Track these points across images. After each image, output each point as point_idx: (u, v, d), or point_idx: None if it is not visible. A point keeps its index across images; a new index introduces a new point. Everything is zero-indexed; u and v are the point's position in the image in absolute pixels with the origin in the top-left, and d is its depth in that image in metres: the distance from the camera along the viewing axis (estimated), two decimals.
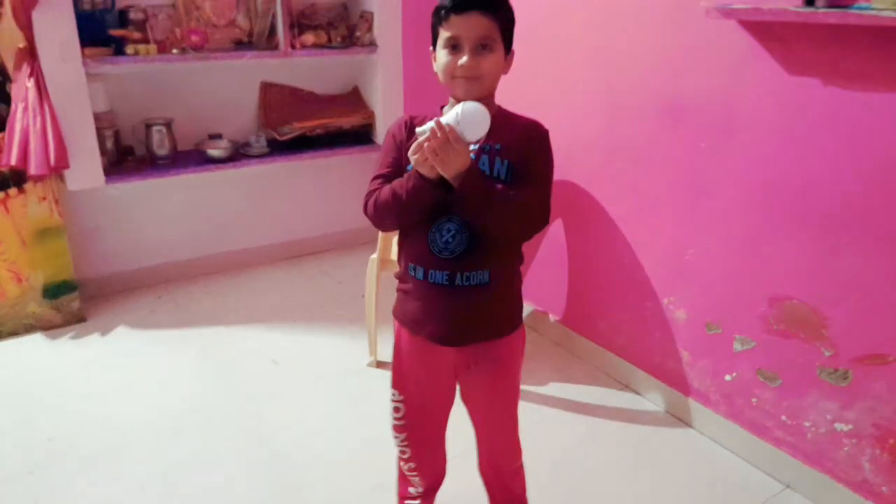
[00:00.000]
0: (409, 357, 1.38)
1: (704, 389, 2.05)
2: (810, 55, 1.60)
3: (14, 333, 2.56)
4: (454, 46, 1.19)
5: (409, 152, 1.14)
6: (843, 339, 1.66)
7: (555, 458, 1.93)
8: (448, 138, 1.09)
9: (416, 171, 1.16)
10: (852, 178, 1.58)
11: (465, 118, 1.11)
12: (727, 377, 1.97)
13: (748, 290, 1.86)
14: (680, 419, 2.13)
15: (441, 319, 1.28)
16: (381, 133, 3.24)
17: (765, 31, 1.68)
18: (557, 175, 2.46)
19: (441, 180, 1.15)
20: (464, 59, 1.18)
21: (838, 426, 1.71)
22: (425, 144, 1.11)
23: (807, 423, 1.78)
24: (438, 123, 1.11)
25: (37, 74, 2.35)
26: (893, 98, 1.47)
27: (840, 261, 1.63)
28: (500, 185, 1.19)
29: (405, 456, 1.49)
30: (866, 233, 1.57)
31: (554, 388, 2.28)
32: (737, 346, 1.92)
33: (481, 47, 1.18)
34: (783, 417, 1.83)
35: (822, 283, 1.68)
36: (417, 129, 1.15)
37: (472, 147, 1.18)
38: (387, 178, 1.28)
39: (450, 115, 1.13)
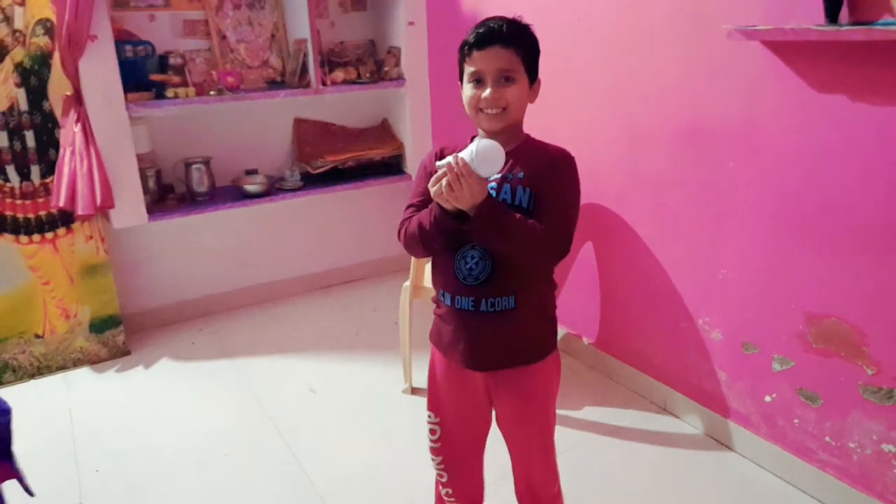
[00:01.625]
0: (443, 380, 1.41)
1: (744, 411, 2.01)
2: (836, 72, 1.60)
3: (63, 368, 2.65)
4: (478, 81, 1.24)
5: (429, 184, 1.19)
6: (886, 357, 1.62)
7: (593, 483, 1.91)
8: (462, 173, 1.13)
9: (436, 202, 1.20)
10: (883, 193, 1.56)
11: (480, 154, 1.15)
12: (767, 398, 1.93)
13: (784, 308, 1.84)
14: (720, 442, 2.09)
15: (469, 344, 1.30)
16: (410, 163, 3.31)
17: (788, 49, 1.69)
18: (585, 199, 2.48)
19: (459, 211, 1.19)
20: (487, 92, 1.22)
21: (886, 447, 1.66)
22: (443, 179, 1.15)
23: (852, 444, 1.73)
24: (456, 158, 1.15)
25: (83, 120, 2.47)
26: None
27: (877, 276, 1.61)
28: (518, 215, 1.21)
29: (443, 479, 1.50)
30: None
31: (589, 412, 2.27)
32: (775, 366, 1.89)
33: (504, 79, 1.22)
34: (827, 438, 1.79)
35: (859, 301, 1.65)
36: (438, 164, 1.20)
37: (494, 177, 1.20)
38: (418, 207, 1.33)
39: (466, 151, 1.18)
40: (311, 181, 3.12)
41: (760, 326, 1.92)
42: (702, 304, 2.09)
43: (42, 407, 2.41)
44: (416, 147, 3.27)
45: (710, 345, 2.08)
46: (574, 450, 2.05)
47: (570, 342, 2.64)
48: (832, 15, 1.51)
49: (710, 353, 2.09)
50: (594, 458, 2.04)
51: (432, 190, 1.18)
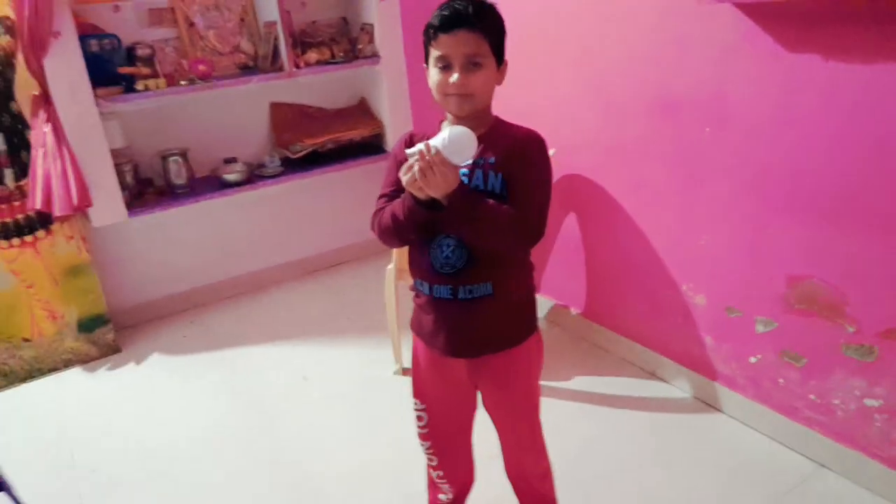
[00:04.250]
0: (426, 368, 1.41)
1: (730, 373, 2.04)
2: (809, 32, 1.59)
3: (54, 370, 2.65)
4: (445, 66, 1.21)
5: (400, 173, 1.17)
6: (866, 315, 1.64)
7: (585, 450, 1.95)
8: (434, 161, 1.12)
9: (409, 191, 1.19)
10: (857, 155, 1.56)
11: (452, 142, 1.13)
12: (752, 359, 1.96)
13: (765, 271, 1.85)
14: (708, 404, 2.12)
15: (450, 332, 1.31)
16: (390, 142, 3.28)
17: (759, 12, 1.67)
18: (567, 170, 2.47)
19: (432, 200, 1.17)
20: (454, 78, 1.20)
21: (868, 402, 1.69)
22: (414, 167, 1.13)
23: (836, 401, 1.76)
24: (427, 146, 1.13)
25: (53, 119, 2.43)
26: (891, 69, 1.45)
27: (852, 237, 1.62)
28: (491, 201, 1.20)
29: (433, 463, 1.52)
30: (875, 209, 1.55)
31: (580, 382, 2.29)
32: (759, 328, 1.91)
33: (472, 65, 1.20)
34: (812, 396, 1.82)
35: (838, 261, 1.67)
36: (408, 151, 1.17)
37: (466, 163, 1.19)
38: (390, 196, 1.31)
39: (437, 139, 1.15)
40: (291, 166, 3.10)
41: (743, 290, 1.93)
42: (685, 271, 2.10)
43: (35, 410, 2.42)
44: (395, 125, 3.24)
45: (694, 310, 2.10)
46: (564, 420, 2.08)
47: (558, 313, 2.66)
48: None
49: (695, 318, 2.11)
50: (584, 426, 2.06)
51: (404, 179, 1.16)
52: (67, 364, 2.68)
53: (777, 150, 1.73)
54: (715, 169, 1.91)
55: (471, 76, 1.20)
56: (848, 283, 1.66)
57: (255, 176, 3.01)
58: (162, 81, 2.67)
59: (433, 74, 1.24)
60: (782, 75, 1.67)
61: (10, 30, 2.37)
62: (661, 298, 2.20)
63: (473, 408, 1.47)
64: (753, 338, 1.93)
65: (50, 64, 2.38)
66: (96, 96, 2.52)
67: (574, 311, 2.59)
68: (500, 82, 1.28)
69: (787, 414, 1.90)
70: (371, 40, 3.15)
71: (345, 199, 3.39)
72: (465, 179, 1.23)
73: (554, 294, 2.67)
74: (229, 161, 3.01)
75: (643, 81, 2.03)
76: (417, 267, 1.32)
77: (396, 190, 1.30)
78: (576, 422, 2.09)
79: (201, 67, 2.78)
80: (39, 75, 2.38)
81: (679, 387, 2.22)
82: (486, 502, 1.71)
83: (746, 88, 1.76)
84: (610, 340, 2.45)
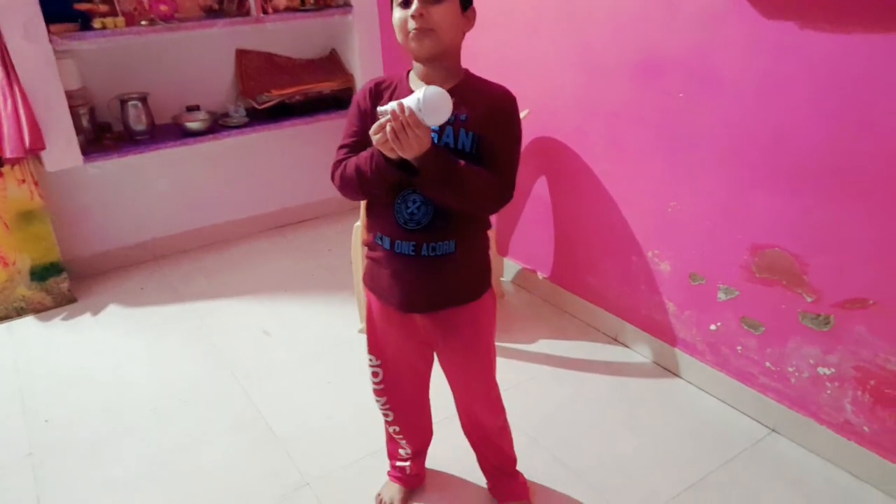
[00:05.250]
0: (381, 323, 1.40)
1: (690, 339, 2.07)
2: None
3: (6, 318, 2.57)
4: (406, 1, 1.15)
5: (371, 131, 1.12)
6: (825, 285, 1.67)
7: (545, 413, 1.97)
8: (408, 122, 1.07)
9: (378, 150, 1.14)
10: (829, 125, 1.56)
11: (428, 103, 1.08)
12: (712, 327, 1.99)
13: (730, 239, 1.86)
14: (667, 370, 2.16)
15: (408, 288, 1.28)
16: None
17: None
18: (540, 132, 2.44)
19: (403, 160, 1.13)
20: (413, 7, 1.13)
21: (821, 370, 1.73)
22: (387, 126, 1.08)
23: (790, 369, 1.80)
24: (401, 106, 1.08)
25: (3, 56, 2.29)
26: (869, 39, 1.44)
27: (819, 208, 1.63)
28: (462, 162, 1.16)
29: (389, 419, 1.52)
30: (844, 180, 1.56)
31: (544, 345, 2.31)
32: (721, 296, 1.94)
33: None
34: (767, 364, 1.86)
35: (802, 231, 1.68)
36: (379, 109, 1.12)
37: (439, 124, 1.14)
38: (352, 147, 1.27)
39: (411, 98, 1.10)
40: (258, 117, 3.00)
41: (707, 257, 1.95)
42: (652, 237, 2.11)
43: None
44: (366, 79, 3.13)
45: (659, 276, 2.12)
46: (527, 382, 2.10)
47: (525, 277, 2.66)
48: None
49: (658, 284, 2.12)
50: (547, 389, 2.08)
51: (374, 138, 1.11)
52: (20, 312, 2.59)
53: (756, 117, 1.72)
54: (685, 135, 1.90)
55: (430, 8, 1.13)
56: (812, 254, 1.68)
57: (218, 125, 2.91)
58: (121, 20, 2.54)
59: (396, 13, 1.18)
60: (759, 44, 1.65)
61: None
62: (628, 265, 2.21)
63: (429, 364, 1.46)
64: (715, 305, 1.96)
65: None
66: (50, 33, 2.38)
67: (541, 275, 2.60)
68: (467, 28, 1.22)
69: (743, 380, 1.94)
70: None
71: (313, 153, 3.31)
72: (435, 137, 1.19)
73: (521, 258, 2.66)
74: (192, 109, 2.90)
75: (627, 43, 1.99)
76: (379, 221, 1.29)
77: (359, 140, 1.26)
78: (537, 384, 2.11)
79: (163, 7, 2.65)
80: None
81: (640, 352, 2.25)
82: (447, 459, 1.72)
83: (725, 54, 1.74)
84: (575, 305, 2.47)
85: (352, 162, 1.22)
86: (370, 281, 1.37)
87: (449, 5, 1.15)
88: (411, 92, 1.14)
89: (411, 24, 1.14)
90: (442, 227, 1.23)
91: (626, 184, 2.14)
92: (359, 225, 2.28)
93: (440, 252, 1.24)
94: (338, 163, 1.27)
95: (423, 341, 1.39)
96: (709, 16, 1.74)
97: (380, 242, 1.29)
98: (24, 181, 2.48)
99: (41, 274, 2.59)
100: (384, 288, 1.32)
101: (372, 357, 1.45)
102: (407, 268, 1.27)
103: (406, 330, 1.37)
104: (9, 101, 2.31)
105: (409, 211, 1.22)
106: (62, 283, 2.65)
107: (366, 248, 1.36)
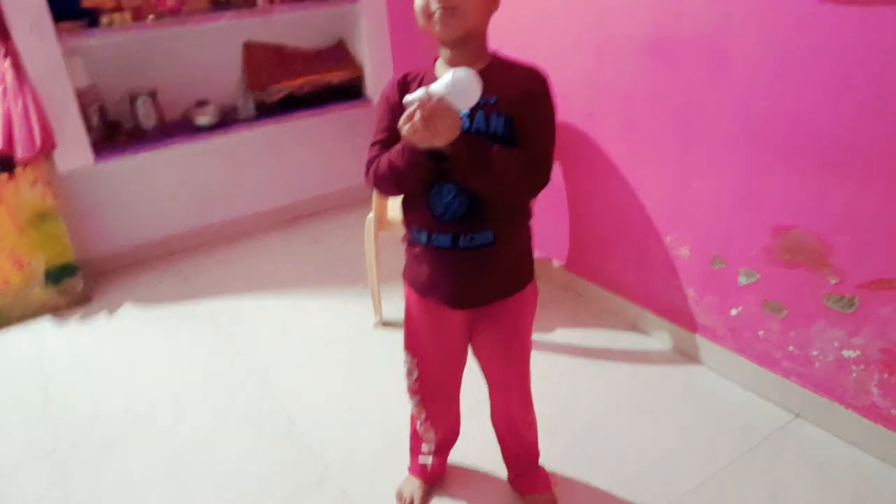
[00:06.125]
0: (420, 320, 1.37)
1: (711, 325, 2.04)
2: None
3: (24, 319, 2.58)
4: None
5: (399, 123, 1.08)
6: (849, 266, 1.64)
7: (565, 403, 1.95)
8: (437, 108, 1.04)
9: (408, 142, 1.11)
10: (851, 102, 1.52)
11: (456, 86, 1.05)
12: (733, 311, 1.96)
13: (751, 222, 1.83)
14: (688, 356, 2.13)
15: (449, 282, 1.26)
16: (370, 87, 3.17)
17: None
18: None
19: (435, 149, 1.10)
20: None
21: (846, 353, 1.70)
22: (415, 116, 1.05)
23: (814, 353, 1.77)
24: (428, 92, 1.05)
25: (12, 55, 2.29)
26: (891, 14, 1.40)
27: (843, 188, 1.59)
28: (496, 147, 1.12)
29: (421, 417, 1.50)
30: (867, 158, 1.53)
31: (561, 334, 2.29)
32: (742, 280, 1.90)
33: None
34: (791, 348, 1.83)
35: (826, 211, 1.64)
36: (406, 99, 1.09)
37: (470, 107, 1.11)
38: (384, 143, 1.24)
39: (439, 84, 1.07)
40: (267, 110, 2.98)
41: (727, 241, 1.91)
42: (670, 222, 2.07)
43: (5, 359, 2.35)
44: (375, 69, 3.13)
45: (678, 262, 2.09)
46: (546, 372, 2.08)
47: (541, 265, 2.63)
48: None
49: (678, 270, 2.09)
50: (567, 379, 2.06)
51: (403, 129, 1.07)
52: (37, 313, 2.60)
53: (776, 96, 1.68)
54: (703, 116, 1.86)
55: None
56: (835, 234, 1.64)
57: (228, 119, 2.90)
58: (128, 16, 2.53)
59: None
60: (785, 18, 1.61)
61: None
62: (645, 250, 2.18)
63: (464, 361, 1.45)
64: (736, 290, 1.93)
65: None
66: (58, 31, 2.37)
67: (557, 263, 2.57)
68: (494, 7, 1.17)
69: (766, 365, 1.91)
70: None
71: (325, 145, 3.30)
72: (466, 123, 1.14)
73: (536, 246, 2.62)
74: (201, 104, 2.89)
75: (639, 19, 1.95)
76: (415, 215, 1.26)
77: (390, 136, 1.23)
78: (557, 373, 2.09)
79: (169, 2, 2.63)
80: None
81: (659, 339, 2.22)
82: (468, 451, 1.71)
83: (743, 31, 1.69)
84: (592, 293, 2.44)
85: (384, 158, 1.19)
86: (409, 276, 1.34)
87: None
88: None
89: (434, 5, 1.10)
90: (478, 218, 1.19)
91: (642, 168, 2.11)
92: (371, 217, 2.26)
93: (478, 242, 1.21)
94: (370, 161, 1.24)
95: (463, 336, 1.37)
96: None
97: (417, 237, 1.26)
98: (36, 182, 2.48)
99: (56, 275, 2.60)
100: (425, 284, 1.30)
101: (408, 354, 1.42)
102: (446, 261, 1.24)
103: (447, 325, 1.34)
104: (19, 102, 2.31)
105: (444, 203, 1.19)
106: (76, 284, 2.65)
107: (404, 244, 1.33)
